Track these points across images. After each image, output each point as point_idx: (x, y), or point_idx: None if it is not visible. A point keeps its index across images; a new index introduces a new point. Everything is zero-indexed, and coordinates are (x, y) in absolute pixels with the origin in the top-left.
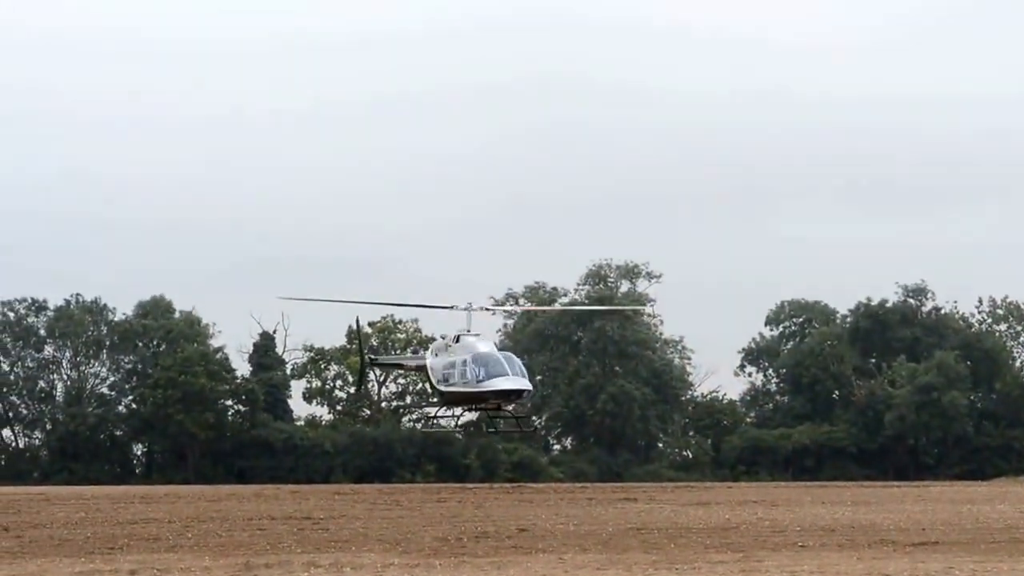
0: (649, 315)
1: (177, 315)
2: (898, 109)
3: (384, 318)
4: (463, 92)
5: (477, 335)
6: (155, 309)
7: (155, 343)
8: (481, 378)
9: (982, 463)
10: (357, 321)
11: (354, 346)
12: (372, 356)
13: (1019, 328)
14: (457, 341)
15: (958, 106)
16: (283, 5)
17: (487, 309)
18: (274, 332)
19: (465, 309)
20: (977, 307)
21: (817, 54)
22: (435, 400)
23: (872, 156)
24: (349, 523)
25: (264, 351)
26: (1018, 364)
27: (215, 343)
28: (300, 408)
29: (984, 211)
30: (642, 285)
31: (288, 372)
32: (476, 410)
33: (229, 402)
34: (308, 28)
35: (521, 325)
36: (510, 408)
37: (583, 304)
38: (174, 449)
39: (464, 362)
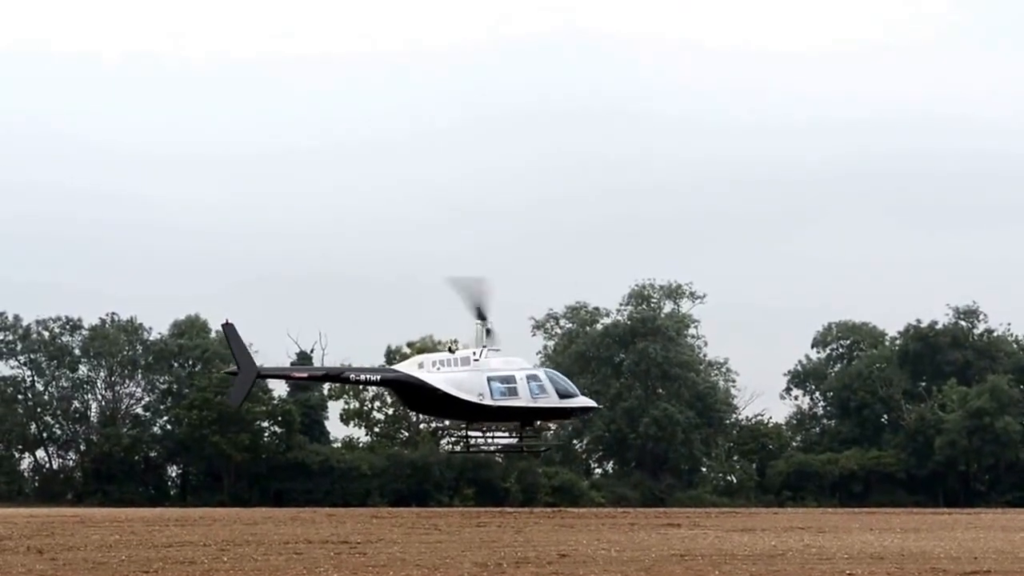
0: (693, 336)
1: (212, 335)
2: (947, 126)
3: (423, 338)
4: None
5: (497, 350)
6: (190, 329)
7: (190, 363)
8: (564, 394)
9: None
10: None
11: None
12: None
13: None
14: (479, 357)
15: (1010, 122)
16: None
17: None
18: (311, 352)
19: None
20: None
21: (858, 72)
22: (454, 415)
23: (921, 175)
24: (387, 547)
25: None
26: None
27: None
28: (337, 430)
29: None
30: (685, 305)
31: (325, 393)
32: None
33: (265, 423)
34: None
35: (562, 347)
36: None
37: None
38: (209, 471)
39: (533, 377)
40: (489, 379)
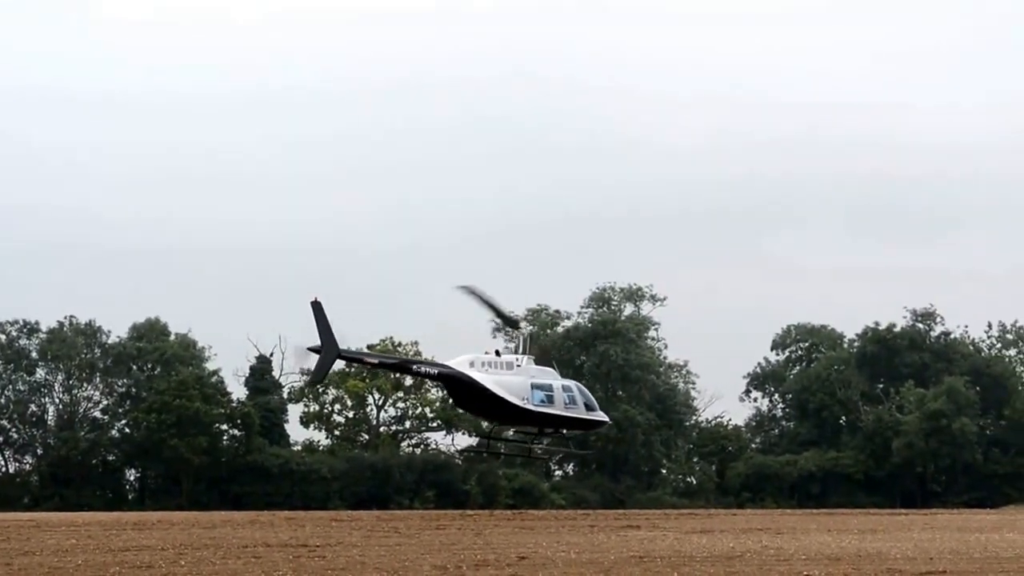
0: (653, 339)
1: (172, 338)
2: (903, 135)
3: (383, 340)
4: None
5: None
6: (150, 332)
7: (149, 366)
8: (590, 406)
9: (991, 491)
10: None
11: (352, 368)
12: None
13: None
14: (522, 362)
15: (969, 132)
16: None
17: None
18: (271, 355)
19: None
20: (987, 332)
21: (819, 83)
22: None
23: (879, 181)
24: (346, 551)
25: (260, 375)
26: None
27: (210, 366)
28: (297, 433)
29: (995, 236)
30: (646, 308)
31: (285, 396)
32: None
33: (224, 427)
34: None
35: (523, 349)
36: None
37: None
38: (168, 475)
39: (567, 388)
40: (532, 385)
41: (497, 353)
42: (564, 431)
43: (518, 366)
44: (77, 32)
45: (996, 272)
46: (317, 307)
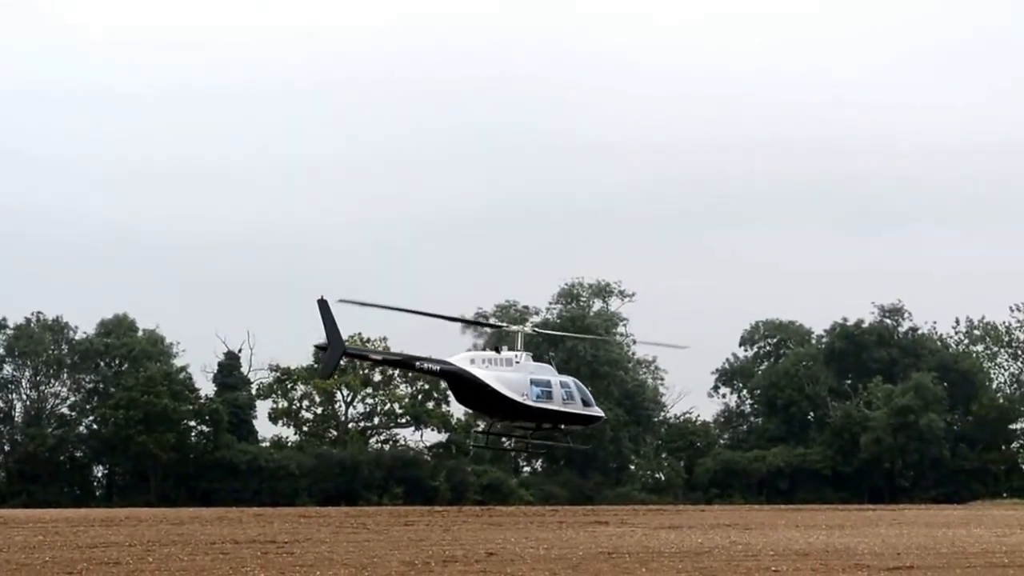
0: (622, 335)
1: (140, 334)
2: (875, 130)
3: (351, 337)
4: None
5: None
6: (117, 328)
7: (117, 362)
8: (586, 402)
9: (958, 486)
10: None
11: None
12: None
13: (996, 349)
14: (521, 359)
15: (939, 130)
16: None
17: (535, 332)
18: (239, 351)
19: (517, 330)
20: (954, 328)
21: (787, 73)
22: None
23: (850, 178)
24: (314, 547)
25: (229, 371)
26: (995, 386)
27: (179, 362)
28: (266, 429)
29: (962, 233)
30: (615, 304)
31: (254, 392)
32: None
33: (192, 423)
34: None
35: (491, 344)
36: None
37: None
38: (136, 471)
39: (564, 384)
40: (531, 381)
41: (496, 350)
42: (562, 426)
43: (517, 363)
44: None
45: (964, 268)
46: (323, 305)
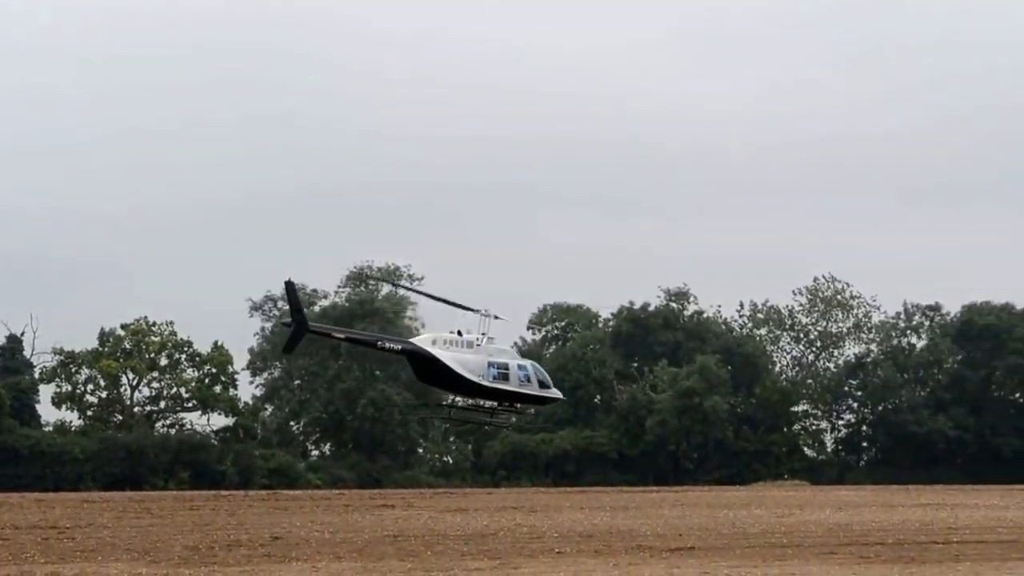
0: (411, 318)
1: None
2: (675, 111)
3: (137, 320)
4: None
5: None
6: None
7: None
8: (543, 384)
9: (741, 468)
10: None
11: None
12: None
13: (779, 333)
14: (482, 342)
15: (712, 108)
16: None
17: (499, 318)
18: (22, 335)
19: (484, 315)
20: (738, 311)
21: (581, 59)
22: (452, 391)
23: (636, 160)
24: (96, 532)
25: (11, 354)
26: (777, 369)
27: None
28: (49, 413)
29: (746, 216)
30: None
31: (36, 376)
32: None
33: None
34: None
35: (279, 328)
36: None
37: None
38: None
39: (522, 367)
40: (489, 363)
41: (459, 333)
42: (518, 405)
43: (478, 345)
44: None
45: (747, 252)
46: (290, 286)
